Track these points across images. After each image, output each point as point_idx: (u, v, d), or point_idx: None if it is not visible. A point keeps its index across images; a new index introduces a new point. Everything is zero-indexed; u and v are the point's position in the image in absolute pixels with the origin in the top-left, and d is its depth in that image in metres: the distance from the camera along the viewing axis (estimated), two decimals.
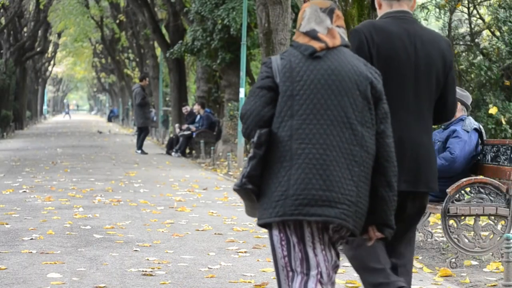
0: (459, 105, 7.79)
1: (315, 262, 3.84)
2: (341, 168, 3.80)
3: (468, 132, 7.63)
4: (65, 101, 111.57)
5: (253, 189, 3.87)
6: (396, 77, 4.47)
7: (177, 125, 25.43)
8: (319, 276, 3.84)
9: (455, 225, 7.28)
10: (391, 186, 3.95)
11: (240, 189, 3.88)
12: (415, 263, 7.45)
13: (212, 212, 10.48)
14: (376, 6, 4.69)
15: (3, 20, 34.34)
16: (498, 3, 12.06)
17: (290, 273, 3.89)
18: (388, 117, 4.00)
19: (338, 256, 3.91)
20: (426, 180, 4.50)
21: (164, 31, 32.37)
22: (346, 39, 4.04)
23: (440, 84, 4.58)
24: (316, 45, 3.93)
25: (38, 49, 46.18)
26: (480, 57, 12.08)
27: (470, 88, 11.69)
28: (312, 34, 3.95)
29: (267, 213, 3.81)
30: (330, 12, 4.01)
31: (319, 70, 3.89)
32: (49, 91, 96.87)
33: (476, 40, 12.47)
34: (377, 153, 3.94)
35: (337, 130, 3.84)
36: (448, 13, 12.21)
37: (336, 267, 3.90)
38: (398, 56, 4.44)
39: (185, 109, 24.72)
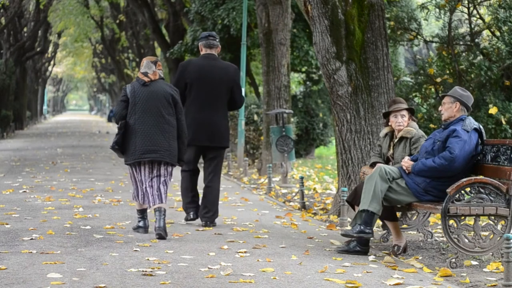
0: (458, 105, 7.79)
1: (148, 181, 8.51)
2: (159, 135, 8.46)
3: (468, 131, 7.61)
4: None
5: (119, 148, 8.53)
6: (201, 87, 9.20)
7: None
8: (148, 187, 8.48)
9: (455, 225, 7.28)
10: (184, 143, 8.65)
11: (113, 149, 8.54)
12: (415, 263, 7.46)
13: None
14: (199, 49, 9.51)
15: (3, 20, 34.31)
16: (498, 3, 12.04)
17: (138, 186, 8.59)
18: (182, 111, 8.68)
19: (164, 182, 8.59)
20: (218, 140, 9.28)
21: (164, 31, 32.36)
22: (162, 75, 8.62)
23: (228, 91, 9.30)
24: (146, 79, 8.56)
25: (38, 49, 46.15)
26: (480, 57, 12.05)
27: (470, 88, 11.68)
28: (144, 74, 8.58)
29: (129, 159, 8.51)
30: (155, 63, 8.62)
31: (147, 91, 8.53)
32: (49, 91, 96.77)
33: (476, 40, 12.45)
34: (177, 128, 8.57)
35: (156, 118, 8.47)
36: (448, 13, 12.18)
37: (163, 185, 8.56)
38: (203, 77, 9.23)
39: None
